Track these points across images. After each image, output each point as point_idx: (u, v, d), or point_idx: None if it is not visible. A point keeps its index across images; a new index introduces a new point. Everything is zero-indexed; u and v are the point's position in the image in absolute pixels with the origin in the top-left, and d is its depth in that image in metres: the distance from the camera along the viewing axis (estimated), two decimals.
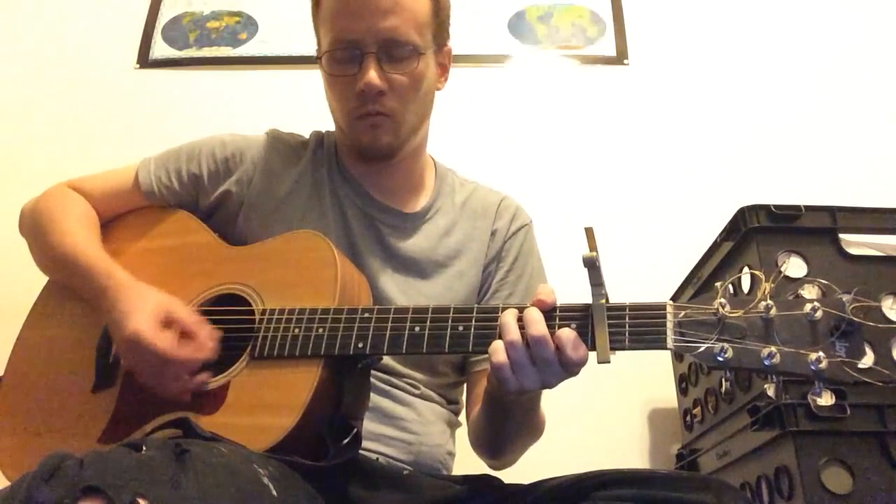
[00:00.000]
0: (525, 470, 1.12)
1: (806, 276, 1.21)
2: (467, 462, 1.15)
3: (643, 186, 1.95)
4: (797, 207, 1.27)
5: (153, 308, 0.95)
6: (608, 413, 1.71)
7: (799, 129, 1.99)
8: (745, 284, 1.25)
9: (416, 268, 1.13)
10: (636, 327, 0.83)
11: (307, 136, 1.24)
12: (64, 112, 2.08)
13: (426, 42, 1.10)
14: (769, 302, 0.79)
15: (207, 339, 0.95)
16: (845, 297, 0.76)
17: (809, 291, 0.80)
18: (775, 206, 1.27)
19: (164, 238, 1.14)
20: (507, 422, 1.04)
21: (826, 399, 0.76)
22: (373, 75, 1.04)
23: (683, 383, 1.60)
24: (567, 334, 0.83)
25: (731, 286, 0.82)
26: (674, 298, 1.60)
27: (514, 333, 0.84)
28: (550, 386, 0.86)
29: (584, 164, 1.99)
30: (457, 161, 1.30)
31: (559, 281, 1.20)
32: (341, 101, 1.10)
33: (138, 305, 0.95)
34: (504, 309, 0.88)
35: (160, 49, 2.17)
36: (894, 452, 1.11)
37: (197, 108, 2.06)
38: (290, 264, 1.01)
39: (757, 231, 1.26)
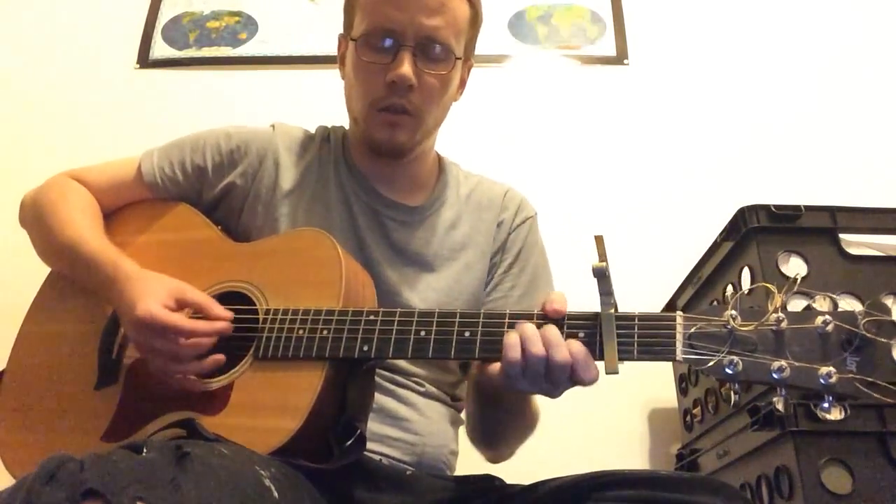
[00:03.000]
0: (526, 470, 1.12)
1: (806, 276, 1.21)
2: (468, 462, 1.15)
3: (643, 186, 1.95)
4: (797, 207, 1.27)
5: (164, 291, 0.95)
6: (608, 413, 1.71)
7: (799, 129, 1.99)
8: (745, 285, 1.25)
9: (423, 262, 1.12)
10: (645, 338, 0.83)
11: (313, 131, 1.24)
12: (64, 112, 2.08)
13: (460, 49, 1.10)
14: (780, 315, 0.78)
15: (221, 314, 0.95)
16: (857, 311, 0.75)
17: (821, 304, 0.79)
18: (775, 206, 1.27)
19: (166, 232, 1.13)
20: (499, 411, 1.04)
21: (836, 414, 0.75)
22: (407, 68, 1.03)
23: (683, 383, 1.60)
24: (580, 355, 0.83)
25: (732, 289, 0.81)
26: (674, 298, 1.60)
27: (538, 347, 0.84)
28: (553, 396, 0.87)
29: (584, 164, 1.99)
30: (457, 161, 1.30)
31: (559, 281, 1.21)
32: (366, 88, 1.08)
33: (148, 290, 0.95)
34: (511, 316, 0.88)
35: (160, 49, 2.17)
36: (894, 452, 1.11)
37: (197, 108, 2.06)
38: (294, 263, 1.00)
39: (757, 231, 1.27)
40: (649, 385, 1.71)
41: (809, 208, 1.27)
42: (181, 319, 0.92)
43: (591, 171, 1.98)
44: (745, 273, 1.29)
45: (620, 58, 2.11)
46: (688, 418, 1.56)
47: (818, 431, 1.11)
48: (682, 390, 1.60)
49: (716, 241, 1.40)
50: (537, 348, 0.83)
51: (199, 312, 0.96)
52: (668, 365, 1.67)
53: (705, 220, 1.50)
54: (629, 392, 1.72)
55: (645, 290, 1.56)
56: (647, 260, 1.82)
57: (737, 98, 2.05)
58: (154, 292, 0.94)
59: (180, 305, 0.95)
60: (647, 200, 1.93)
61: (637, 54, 2.11)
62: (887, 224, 1.29)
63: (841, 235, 1.26)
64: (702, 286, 1.48)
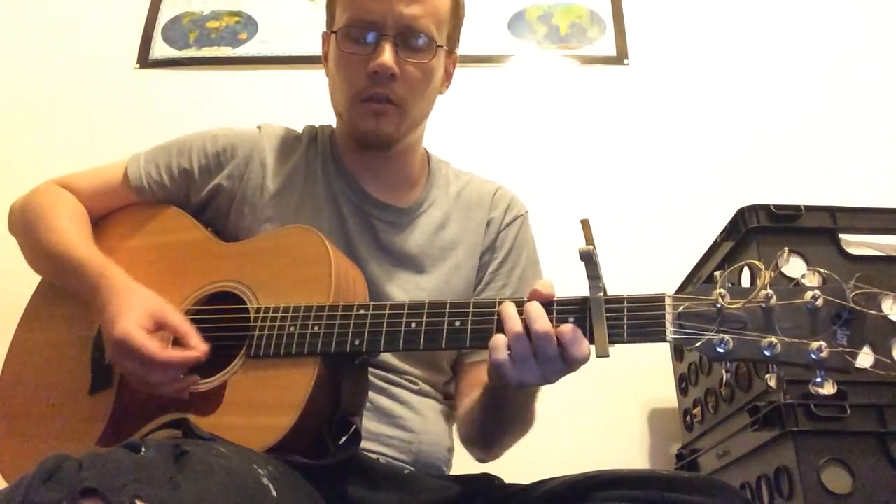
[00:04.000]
0: (525, 470, 1.12)
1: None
2: (467, 461, 1.15)
3: (643, 186, 1.95)
4: (797, 207, 1.27)
5: (143, 311, 0.94)
6: (608, 413, 1.71)
7: (799, 129, 1.99)
8: (745, 282, 1.25)
9: (412, 263, 1.12)
10: (635, 320, 0.82)
11: (300, 131, 1.23)
12: (64, 112, 2.08)
13: (442, 39, 1.10)
14: (769, 291, 0.77)
15: (197, 344, 0.93)
16: (846, 284, 0.74)
17: (810, 279, 0.78)
18: (775, 206, 1.27)
19: (156, 236, 1.13)
20: (502, 415, 1.03)
21: (829, 388, 0.74)
22: (388, 57, 1.04)
23: (683, 383, 1.60)
24: (569, 330, 0.82)
25: (729, 282, 0.80)
26: None
27: (517, 325, 0.83)
28: (551, 381, 0.86)
29: (584, 164, 1.98)
30: (456, 161, 1.30)
31: (559, 281, 1.21)
32: (349, 80, 1.08)
33: (129, 306, 0.94)
34: (502, 302, 0.86)
35: (160, 49, 2.17)
36: (894, 452, 1.11)
37: (197, 108, 2.06)
38: (283, 260, 1.00)
39: (757, 231, 1.27)
40: (649, 385, 1.71)
41: (809, 208, 1.27)
42: (154, 347, 0.90)
43: (591, 171, 1.97)
44: (745, 273, 1.29)
45: (620, 58, 2.11)
46: (688, 418, 1.56)
47: (818, 431, 1.12)
48: (682, 390, 1.60)
49: (716, 241, 1.40)
50: (514, 325, 0.83)
51: (176, 337, 0.95)
52: (668, 365, 1.67)
53: (705, 220, 1.50)
54: (629, 392, 1.72)
55: (645, 291, 1.55)
56: (647, 260, 1.82)
57: (737, 98, 2.05)
58: (134, 310, 0.93)
59: (158, 327, 0.93)
60: (647, 200, 1.93)
61: (637, 54, 2.11)
62: (887, 224, 1.29)
63: (841, 235, 1.26)
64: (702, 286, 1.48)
